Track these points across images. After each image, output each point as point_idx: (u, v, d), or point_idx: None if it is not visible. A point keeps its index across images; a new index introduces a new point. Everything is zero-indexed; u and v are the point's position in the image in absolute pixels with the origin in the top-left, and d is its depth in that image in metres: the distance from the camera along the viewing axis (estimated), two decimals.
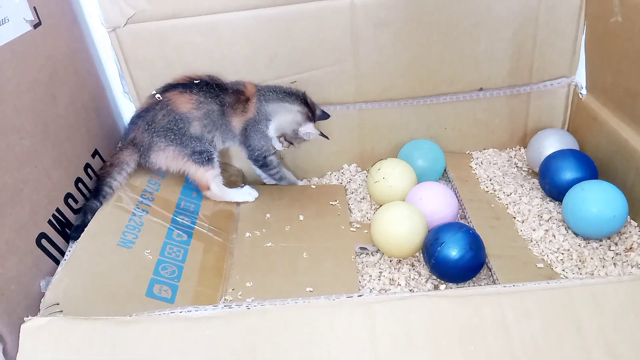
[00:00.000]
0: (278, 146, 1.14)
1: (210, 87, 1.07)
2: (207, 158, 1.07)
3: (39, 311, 0.75)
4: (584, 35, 1.14)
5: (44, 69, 0.91)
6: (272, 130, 1.11)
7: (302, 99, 1.10)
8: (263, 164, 1.15)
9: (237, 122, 1.10)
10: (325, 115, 1.16)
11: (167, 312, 0.67)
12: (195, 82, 1.07)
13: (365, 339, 0.65)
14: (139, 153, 1.05)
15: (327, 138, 1.12)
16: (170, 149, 1.05)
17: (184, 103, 1.05)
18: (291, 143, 1.13)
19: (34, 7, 0.89)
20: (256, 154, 1.13)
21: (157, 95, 1.06)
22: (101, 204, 0.95)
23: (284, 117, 1.10)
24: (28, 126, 0.85)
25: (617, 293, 0.66)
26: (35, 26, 0.89)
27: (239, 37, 1.11)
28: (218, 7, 1.07)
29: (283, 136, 1.11)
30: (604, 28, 1.06)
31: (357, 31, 1.11)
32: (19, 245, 0.78)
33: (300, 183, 1.25)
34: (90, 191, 0.98)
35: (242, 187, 1.18)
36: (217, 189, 1.11)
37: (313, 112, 1.12)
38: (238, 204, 1.16)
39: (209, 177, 1.09)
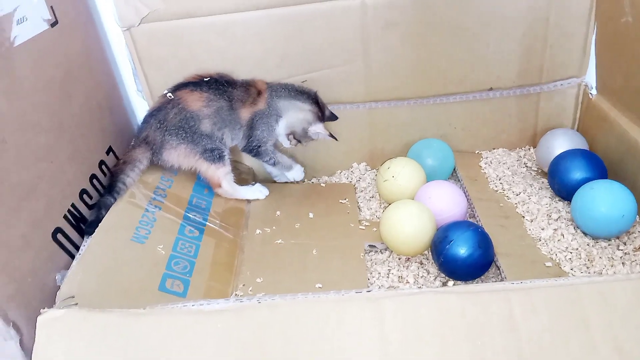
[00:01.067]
0: (286, 144, 1.16)
1: (219, 84, 1.09)
2: (218, 156, 1.08)
3: (54, 304, 0.76)
4: (594, 36, 1.14)
5: (60, 67, 0.93)
6: (282, 127, 1.13)
7: (314, 99, 1.12)
8: (257, 153, 1.16)
9: (245, 113, 1.11)
10: (333, 117, 1.17)
11: (179, 305, 0.68)
12: (205, 79, 1.09)
13: (374, 334, 0.66)
14: (151, 151, 1.06)
15: (336, 139, 1.14)
16: (182, 146, 1.06)
17: (195, 101, 1.06)
18: (299, 141, 1.14)
19: (51, 7, 0.91)
20: (254, 144, 1.14)
21: (169, 94, 1.07)
22: (115, 199, 0.97)
23: (295, 115, 1.12)
24: (44, 123, 0.86)
25: (625, 291, 0.67)
26: (52, 25, 0.91)
27: (251, 36, 1.12)
28: (231, 6, 1.09)
29: (292, 134, 1.13)
30: (615, 28, 1.06)
31: (368, 31, 1.12)
32: (35, 240, 0.79)
33: (296, 166, 1.23)
34: (105, 187, 1.00)
35: (253, 184, 1.19)
36: (228, 186, 1.12)
37: (323, 113, 1.13)
38: (249, 201, 1.18)
39: (221, 174, 1.10)
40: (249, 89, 1.12)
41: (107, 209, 0.94)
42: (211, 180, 1.11)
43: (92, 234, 0.88)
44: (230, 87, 1.10)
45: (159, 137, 1.06)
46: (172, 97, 1.07)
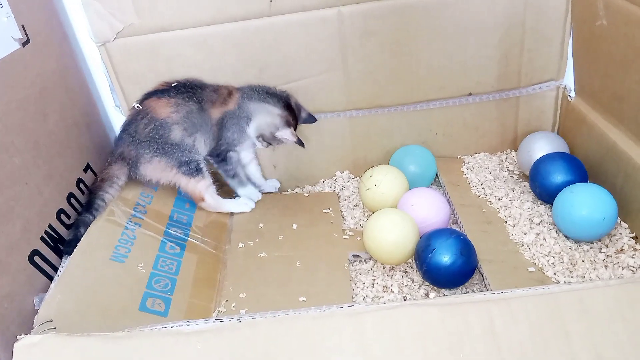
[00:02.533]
0: (258, 145, 1.15)
1: (187, 88, 1.08)
2: (195, 169, 1.07)
3: (32, 328, 0.75)
4: (570, 39, 1.15)
5: (34, 86, 0.92)
6: (252, 129, 1.12)
7: (285, 102, 1.11)
8: (223, 159, 1.13)
9: (215, 113, 1.09)
10: (311, 119, 1.16)
11: (158, 327, 0.68)
12: (172, 85, 1.08)
13: (355, 350, 0.65)
14: (128, 167, 1.06)
15: (303, 146, 1.12)
16: (156, 159, 1.05)
17: (162, 107, 1.05)
18: (269, 144, 1.13)
19: (22, 25, 0.89)
20: (222, 147, 1.12)
21: (137, 105, 1.06)
22: (94, 217, 0.96)
23: (264, 118, 1.10)
24: (18, 144, 0.85)
25: (604, 297, 0.67)
26: (24, 44, 0.90)
27: (228, 48, 1.11)
28: (207, 19, 1.08)
29: (261, 136, 1.12)
30: (590, 32, 1.07)
31: (345, 40, 1.12)
32: (11, 264, 0.78)
33: (249, 186, 1.20)
34: (83, 205, 0.98)
35: (239, 197, 1.18)
36: (211, 199, 1.11)
37: (295, 116, 1.12)
38: (232, 214, 1.17)
39: (201, 188, 1.09)
40: (218, 90, 1.10)
41: (86, 227, 0.93)
42: (193, 194, 1.10)
43: (71, 253, 0.87)
44: (199, 89, 1.09)
45: (133, 151, 1.05)
46: (140, 107, 1.06)
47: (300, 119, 1.14)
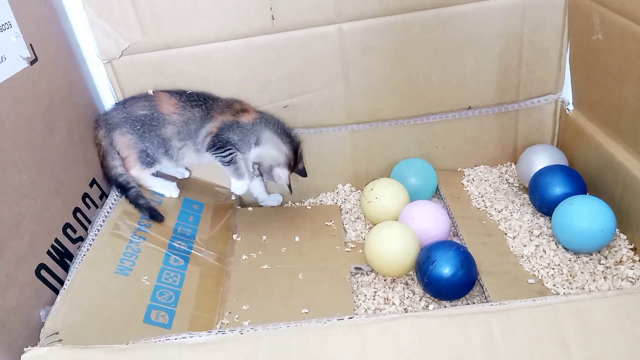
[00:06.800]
0: (249, 168, 1.13)
1: (199, 97, 1.11)
2: (150, 162, 1.11)
3: (39, 340, 0.76)
4: (568, 53, 1.17)
5: (42, 103, 0.94)
6: (254, 153, 1.11)
7: (295, 147, 1.12)
8: (220, 147, 1.08)
9: (223, 117, 1.10)
10: (303, 174, 1.17)
11: (162, 339, 0.69)
12: (186, 92, 1.12)
13: None
14: (106, 129, 1.09)
15: (291, 193, 1.15)
16: (128, 136, 1.09)
17: (168, 105, 1.09)
18: (261, 174, 1.13)
19: (30, 44, 0.92)
20: (222, 136, 1.09)
21: (150, 91, 1.11)
22: (134, 187, 1.08)
23: (270, 150, 1.10)
24: (26, 159, 0.87)
25: (602, 308, 0.68)
26: (32, 62, 0.92)
27: (231, 65, 1.13)
28: (210, 36, 1.10)
29: (258, 165, 1.11)
30: (587, 45, 1.09)
31: (346, 56, 1.14)
32: (18, 277, 0.79)
33: (245, 179, 1.13)
34: (120, 189, 1.08)
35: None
36: (138, 173, 1.12)
37: (296, 163, 1.13)
38: (235, 226, 1.18)
39: (137, 171, 1.12)
40: (232, 104, 1.13)
41: (145, 198, 1.07)
42: (127, 167, 1.12)
43: (163, 220, 1.05)
44: (210, 100, 1.12)
45: (117, 119, 1.09)
46: (152, 93, 1.11)
47: (296, 168, 1.14)
